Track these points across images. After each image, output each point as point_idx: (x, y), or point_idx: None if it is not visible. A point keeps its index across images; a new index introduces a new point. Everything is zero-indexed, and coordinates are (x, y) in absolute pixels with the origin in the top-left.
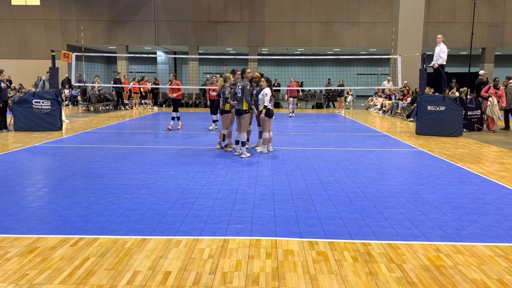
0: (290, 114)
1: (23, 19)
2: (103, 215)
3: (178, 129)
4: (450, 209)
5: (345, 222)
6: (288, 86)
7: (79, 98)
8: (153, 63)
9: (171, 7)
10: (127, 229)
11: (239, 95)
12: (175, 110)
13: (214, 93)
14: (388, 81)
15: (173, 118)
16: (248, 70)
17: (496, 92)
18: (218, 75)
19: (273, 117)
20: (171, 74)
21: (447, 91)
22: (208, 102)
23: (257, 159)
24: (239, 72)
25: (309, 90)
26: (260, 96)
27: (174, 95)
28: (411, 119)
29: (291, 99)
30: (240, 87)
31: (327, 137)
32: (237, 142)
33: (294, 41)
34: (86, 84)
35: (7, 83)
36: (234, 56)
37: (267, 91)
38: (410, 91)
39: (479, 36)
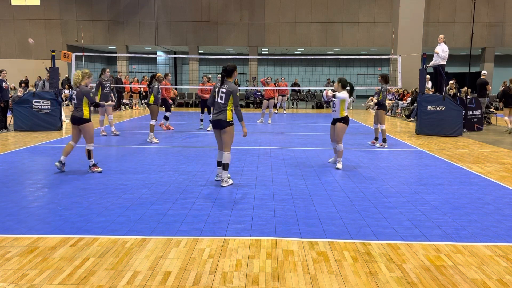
0: (276, 112)
1: (23, 19)
2: (103, 215)
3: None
4: (450, 209)
5: (345, 222)
6: (279, 86)
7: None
8: (153, 63)
9: (171, 7)
10: (127, 229)
11: (222, 100)
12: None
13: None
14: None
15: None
16: (159, 74)
17: None
18: (207, 76)
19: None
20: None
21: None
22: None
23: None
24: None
25: (309, 90)
26: (337, 100)
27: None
28: (411, 119)
29: (280, 97)
30: (223, 90)
31: (327, 137)
32: (218, 164)
33: (294, 41)
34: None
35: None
36: (234, 56)
37: (345, 95)
38: (410, 91)
39: (479, 36)
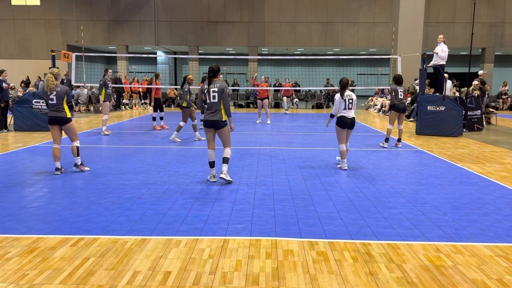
0: (285, 112)
1: (23, 19)
2: (103, 215)
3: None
4: (450, 209)
5: (345, 222)
6: (283, 86)
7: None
8: (153, 63)
9: (171, 7)
10: (127, 229)
11: (215, 100)
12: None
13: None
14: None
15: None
16: (190, 76)
17: None
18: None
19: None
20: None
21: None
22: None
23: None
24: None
25: (309, 90)
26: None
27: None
28: (411, 119)
29: (284, 98)
30: (215, 89)
31: (327, 137)
32: (211, 165)
33: (294, 41)
34: (86, 85)
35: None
36: (234, 56)
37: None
38: (410, 91)
39: (479, 36)
